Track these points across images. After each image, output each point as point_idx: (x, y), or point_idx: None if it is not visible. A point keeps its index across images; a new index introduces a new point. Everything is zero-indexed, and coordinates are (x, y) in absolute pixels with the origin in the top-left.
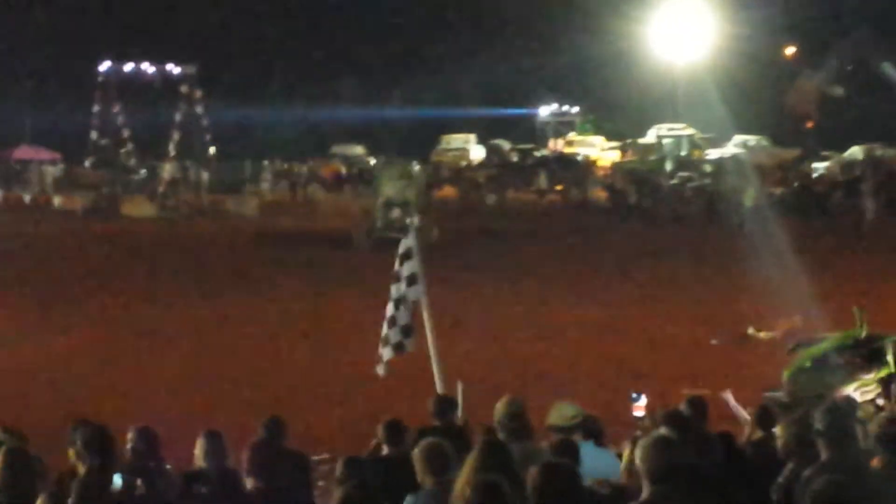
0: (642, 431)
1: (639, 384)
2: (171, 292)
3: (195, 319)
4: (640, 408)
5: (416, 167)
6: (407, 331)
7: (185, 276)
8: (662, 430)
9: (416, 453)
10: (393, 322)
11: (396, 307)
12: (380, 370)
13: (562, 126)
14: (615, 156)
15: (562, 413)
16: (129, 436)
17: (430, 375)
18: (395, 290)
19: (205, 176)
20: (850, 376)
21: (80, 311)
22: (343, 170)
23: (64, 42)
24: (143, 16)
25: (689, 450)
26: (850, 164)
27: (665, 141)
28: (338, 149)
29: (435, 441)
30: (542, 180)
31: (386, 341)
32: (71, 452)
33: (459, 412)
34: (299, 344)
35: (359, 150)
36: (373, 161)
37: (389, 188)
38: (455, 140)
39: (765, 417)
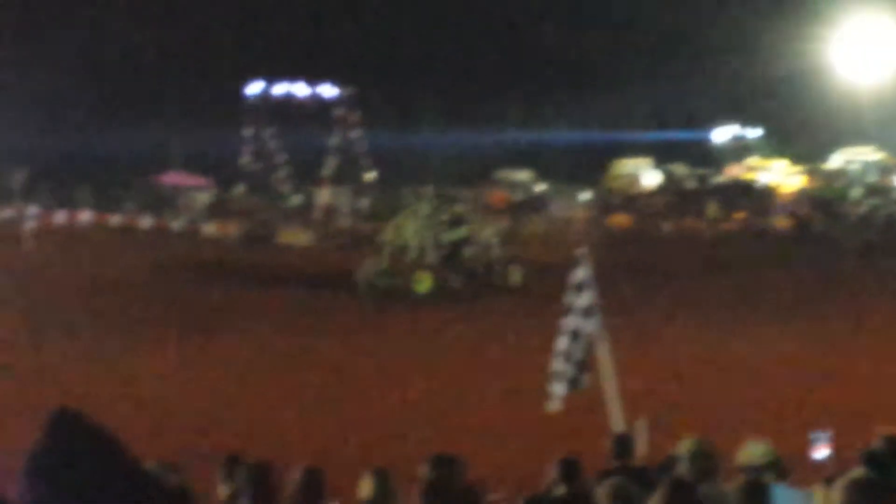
0: (831, 473)
1: (825, 423)
2: (327, 323)
3: (351, 351)
4: (821, 448)
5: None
6: (583, 366)
7: (340, 308)
8: (860, 471)
9: (601, 494)
10: (567, 356)
11: (571, 340)
12: (551, 406)
13: (740, 150)
14: (798, 181)
15: (752, 452)
16: (294, 476)
17: (597, 411)
18: (571, 322)
19: (362, 203)
20: None
21: (235, 341)
22: (513, 196)
23: (213, 63)
24: (297, 35)
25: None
26: None
27: (852, 166)
28: (502, 174)
29: (620, 481)
30: (713, 209)
31: (560, 376)
32: (222, 490)
33: (639, 451)
34: (461, 378)
35: (524, 175)
36: (539, 187)
37: (403, 230)
38: (627, 165)
39: None
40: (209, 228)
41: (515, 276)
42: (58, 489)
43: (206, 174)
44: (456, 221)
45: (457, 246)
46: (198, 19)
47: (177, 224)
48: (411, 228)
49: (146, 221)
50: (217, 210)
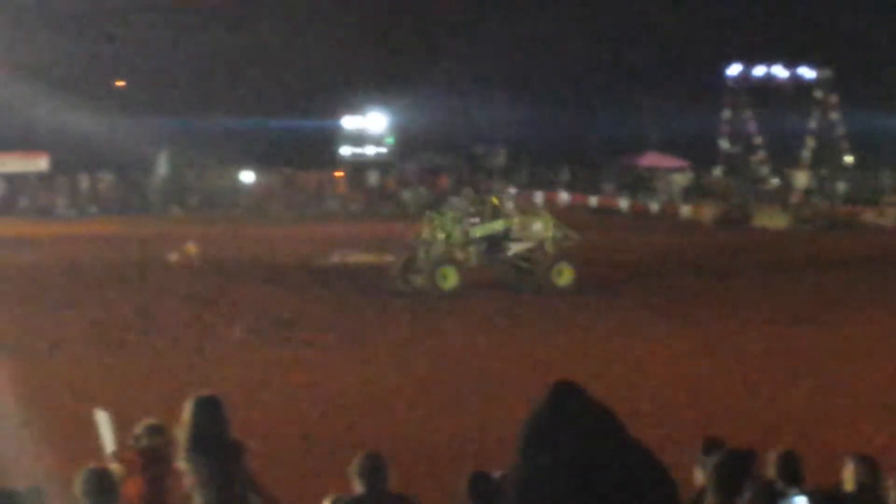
0: None
1: None
2: (805, 309)
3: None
4: None
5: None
6: None
7: (817, 292)
8: None
9: None
10: None
11: None
12: None
13: None
14: None
15: None
16: (771, 459)
17: None
18: None
19: (840, 186)
20: None
21: (697, 323)
22: None
23: (692, 46)
24: (776, 18)
25: None
26: None
27: None
28: None
29: None
30: None
31: None
32: (698, 475)
33: None
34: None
35: None
36: None
37: (433, 225)
38: None
39: None
40: (685, 210)
41: (565, 276)
42: (559, 458)
43: (683, 156)
44: (492, 215)
45: (494, 240)
46: (679, 2)
47: (654, 206)
48: (440, 223)
49: (623, 203)
50: (694, 192)
